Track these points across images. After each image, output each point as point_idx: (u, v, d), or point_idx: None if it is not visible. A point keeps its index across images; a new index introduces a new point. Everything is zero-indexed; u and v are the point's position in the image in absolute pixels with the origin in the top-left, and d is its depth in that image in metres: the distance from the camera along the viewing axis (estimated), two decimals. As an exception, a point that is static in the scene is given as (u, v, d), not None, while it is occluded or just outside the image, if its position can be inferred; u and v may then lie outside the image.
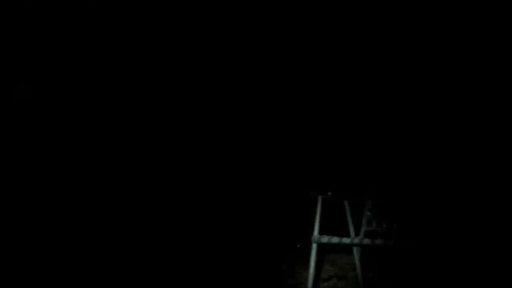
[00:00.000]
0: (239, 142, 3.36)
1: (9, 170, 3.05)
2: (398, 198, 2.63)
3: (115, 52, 3.26)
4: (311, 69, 3.31)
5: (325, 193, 2.75)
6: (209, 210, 3.17)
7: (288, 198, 3.14)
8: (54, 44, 3.18)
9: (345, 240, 2.53)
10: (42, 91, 3.16)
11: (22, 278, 2.70)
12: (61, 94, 3.19)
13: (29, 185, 3.05)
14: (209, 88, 3.39)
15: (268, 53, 3.34)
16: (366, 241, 2.51)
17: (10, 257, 2.78)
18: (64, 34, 3.19)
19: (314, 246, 2.59)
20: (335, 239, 2.54)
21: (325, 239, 2.56)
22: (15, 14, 3.08)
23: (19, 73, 3.14)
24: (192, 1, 3.32)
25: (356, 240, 2.53)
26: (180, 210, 3.18)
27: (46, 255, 2.82)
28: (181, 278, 2.73)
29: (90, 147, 3.21)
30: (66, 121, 3.19)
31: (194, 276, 2.74)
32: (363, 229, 2.55)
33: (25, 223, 2.94)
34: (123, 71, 3.29)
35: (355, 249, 2.70)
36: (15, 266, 2.74)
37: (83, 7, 3.18)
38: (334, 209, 2.83)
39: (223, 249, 2.92)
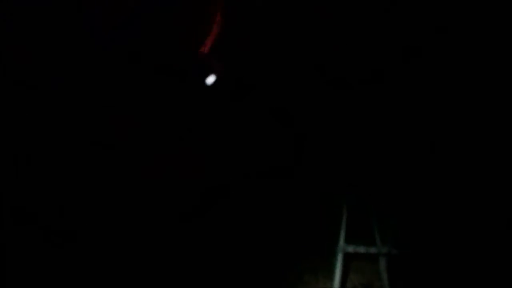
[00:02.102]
0: (262, 143, 3.31)
1: (9, 170, 3.03)
2: (426, 207, 2.59)
3: (115, 52, 3.20)
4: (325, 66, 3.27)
5: (351, 198, 2.69)
6: (226, 209, 3.14)
7: (312, 203, 3.09)
8: (54, 44, 3.12)
9: (372, 250, 2.49)
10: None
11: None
12: (61, 94, 3.15)
13: (28, 184, 3.03)
14: (217, 84, 3.34)
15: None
16: (394, 251, 2.47)
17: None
18: (64, 33, 3.13)
19: (340, 255, 2.54)
20: (361, 249, 2.50)
21: (351, 248, 2.52)
22: (15, 14, 3.01)
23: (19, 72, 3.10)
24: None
25: (384, 250, 2.49)
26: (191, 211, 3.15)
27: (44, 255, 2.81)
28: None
29: (89, 147, 3.18)
30: (65, 121, 3.16)
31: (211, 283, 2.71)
32: (390, 237, 2.51)
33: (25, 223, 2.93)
34: (123, 71, 3.24)
35: (381, 257, 2.66)
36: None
37: (83, 7, 3.11)
38: (360, 214, 2.78)
39: (241, 255, 2.89)
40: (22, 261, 2.84)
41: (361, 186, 2.91)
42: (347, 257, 2.74)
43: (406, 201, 2.71)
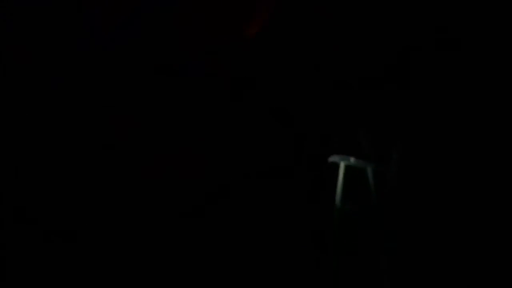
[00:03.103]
0: (262, 143, 3.31)
1: (9, 170, 3.04)
2: (423, 166, 2.60)
3: (115, 52, 3.22)
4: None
5: (348, 159, 2.69)
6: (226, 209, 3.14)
7: (309, 164, 3.08)
8: (54, 44, 3.14)
9: (367, 207, 2.51)
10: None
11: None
12: (61, 94, 3.16)
13: (28, 184, 3.03)
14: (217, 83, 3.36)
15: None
16: (388, 209, 2.49)
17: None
18: (64, 33, 3.15)
19: (336, 213, 2.57)
20: (357, 207, 2.53)
21: (347, 206, 2.54)
22: (15, 14, 3.04)
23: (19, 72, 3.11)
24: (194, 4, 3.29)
25: (379, 209, 2.51)
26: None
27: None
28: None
29: (89, 147, 3.19)
30: (65, 121, 3.17)
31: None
32: (386, 197, 2.52)
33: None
34: (123, 71, 3.26)
35: (377, 217, 2.67)
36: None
37: (83, 7, 3.13)
38: (357, 175, 2.78)
39: (235, 218, 2.89)
40: (22, 261, 2.84)
41: (359, 145, 2.91)
42: (344, 215, 2.76)
43: (404, 162, 2.71)
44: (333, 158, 2.78)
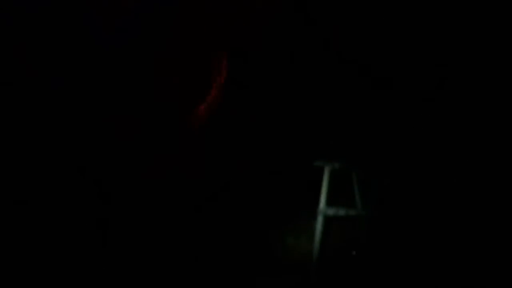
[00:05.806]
0: (261, 143, 3.33)
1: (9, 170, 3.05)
2: (408, 170, 2.59)
3: (116, 52, 3.28)
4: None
5: (333, 163, 2.69)
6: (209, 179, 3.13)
7: (294, 168, 3.08)
8: (54, 44, 3.19)
9: (352, 212, 2.49)
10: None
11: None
12: (61, 94, 3.21)
13: (28, 184, 3.05)
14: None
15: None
16: (374, 214, 2.47)
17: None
18: (65, 33, 3.21)
19: (320, 218, 2.55)
20: (341, 211, 2.51)
21: (331, 211, 2.52)
22: (15, 14, 3.09)
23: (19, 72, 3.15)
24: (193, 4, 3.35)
25: (364, 213, 2.49)
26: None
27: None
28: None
29: (89, 146, 3.22)
30: (66, 121, 3.20)
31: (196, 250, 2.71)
32: (371, 201, 2.51)
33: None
34: (123, 71, 3.30)
35: (361, 220, 2.64)
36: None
37: (84, 6, 3.20)
38: (342, 181, 2.77)
39: (224, 221, 2.88)
40: (22, 260, 2.82)
41: (342, 151, 2.90)
42: (328, 220, 2.74)
43: (388, 164, 2.69)
44: (318, 162, 2.77)
